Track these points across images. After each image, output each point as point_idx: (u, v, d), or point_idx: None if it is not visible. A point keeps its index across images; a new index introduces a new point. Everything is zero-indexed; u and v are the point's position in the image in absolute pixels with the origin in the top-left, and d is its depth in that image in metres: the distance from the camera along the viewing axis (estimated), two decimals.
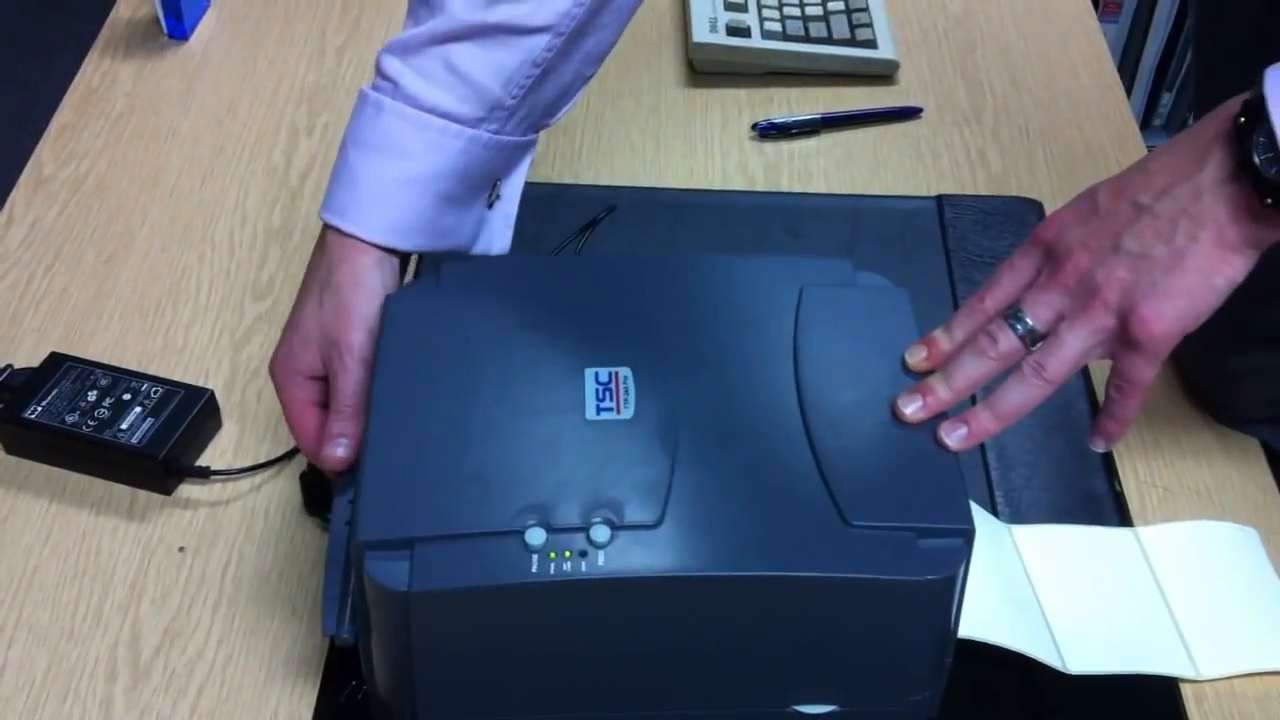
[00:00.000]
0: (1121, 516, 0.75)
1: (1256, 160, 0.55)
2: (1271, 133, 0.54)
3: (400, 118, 0.67)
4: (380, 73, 0.67)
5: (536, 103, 0.70)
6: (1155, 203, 0.58)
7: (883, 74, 1.05)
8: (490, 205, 0.72)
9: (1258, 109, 0.55)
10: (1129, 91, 1.77)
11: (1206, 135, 0.57)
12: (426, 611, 0.55)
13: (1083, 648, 0.67)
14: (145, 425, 0.75)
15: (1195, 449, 0.79)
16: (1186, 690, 0.68)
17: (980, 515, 0.71)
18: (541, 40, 0.67)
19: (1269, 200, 0.55)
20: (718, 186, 0.96)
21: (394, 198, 0.67)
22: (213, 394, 0.78)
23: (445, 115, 0.67)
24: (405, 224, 0.68)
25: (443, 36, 0.66)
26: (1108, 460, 0.78)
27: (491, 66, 0.67)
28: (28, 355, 0.81)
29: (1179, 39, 1.94)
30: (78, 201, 0.93)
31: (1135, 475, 0.78)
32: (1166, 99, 1.98)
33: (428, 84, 0.67)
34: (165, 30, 1.05)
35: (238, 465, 0.77)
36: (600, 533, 0.56)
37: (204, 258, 0.90)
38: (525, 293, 0.67)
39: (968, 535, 0.57)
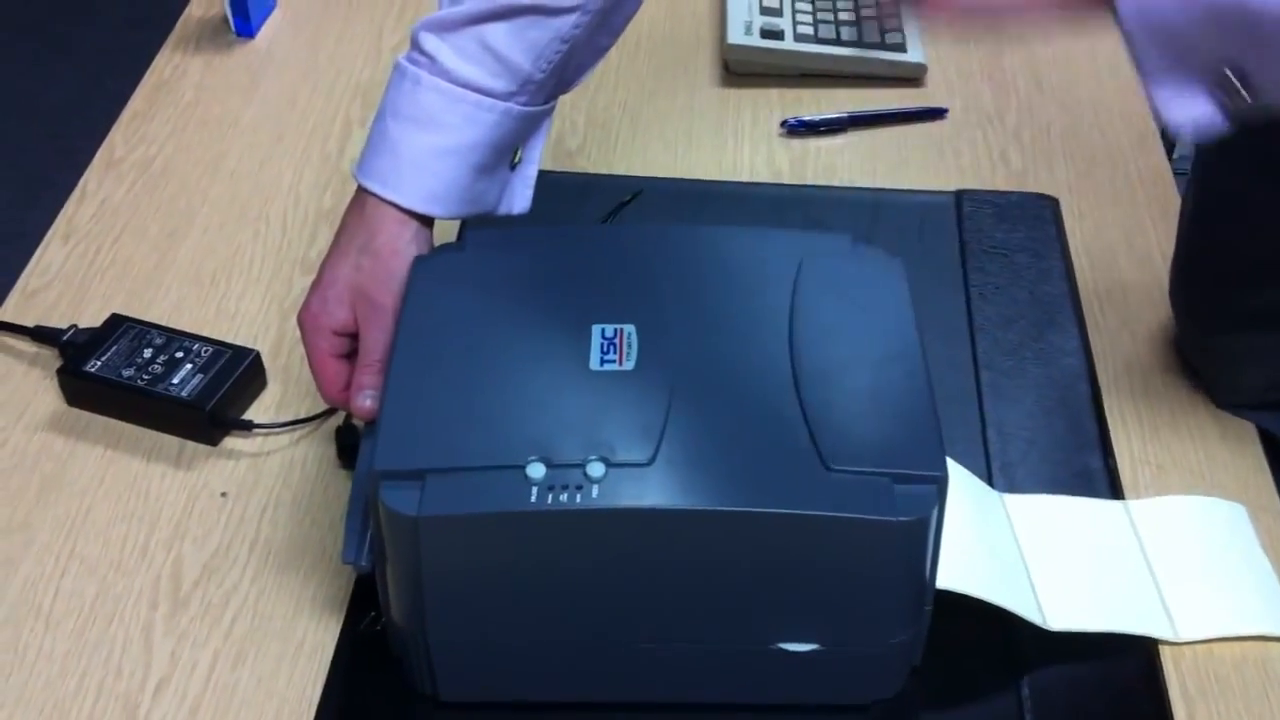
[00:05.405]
0: (1114, 491, 0.78)
1: None
2: None
3: (437, 92, 0.72)
4: (417, 47, 0.73)
5: (562, 74, 0.76)
6: None
7: (911, 77, 1.09)
8: (512, 167, 0.77)
9: None
10: None
11: None
12: (434, 536, 0.60)
13: (1064, 607, 0.70)
14: (195, 380, 0.81)
15: (1190, 429, 0.82)
16: (1165, 652, 0.71)
17: (974, 482, 0.75)
18: (570, 19, 0.72)
19: None
20: (745, 179, 1.00)
21: (431, 167, 0.73)
22: (258, 354, 0.83)
23: (480, 90, 0.72)
24: (442, 192, 0.73)
25: (478, 17, 0.72)
26: (1103, 437, 0.80)
27: (523, 45, 0.72)
28: (92, 317, 0.87)
29: None
30: (145, 181, 1.00)
31: (1130, 453, 0.80)
32: None
33: (464, 61, 0.72)
34: (233, 29, 1.12)
35: (280, 420, 0.82)
36: (596, 469, 0.60)
37: (258, 235, 0.96)
38: (542, 258, 0.72)
39: (941, 482, 0.61)
